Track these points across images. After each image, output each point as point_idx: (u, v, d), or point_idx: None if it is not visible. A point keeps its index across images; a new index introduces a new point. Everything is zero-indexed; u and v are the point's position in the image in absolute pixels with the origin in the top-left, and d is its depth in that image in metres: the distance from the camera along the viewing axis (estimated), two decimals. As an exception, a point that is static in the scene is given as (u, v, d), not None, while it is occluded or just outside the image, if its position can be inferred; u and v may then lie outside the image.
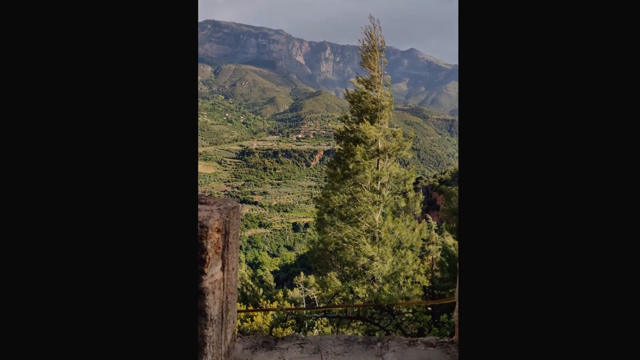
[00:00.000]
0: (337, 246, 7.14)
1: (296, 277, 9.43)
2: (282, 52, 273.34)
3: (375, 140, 7.59)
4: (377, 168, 7.63)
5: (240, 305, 6.72)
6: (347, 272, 7.26)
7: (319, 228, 7.54)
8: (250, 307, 6.73)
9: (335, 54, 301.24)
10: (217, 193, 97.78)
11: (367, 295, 6.63)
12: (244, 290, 10.45)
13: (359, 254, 6.99)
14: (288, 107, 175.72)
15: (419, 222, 8.01)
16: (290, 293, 12.70)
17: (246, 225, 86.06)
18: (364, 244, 6.90)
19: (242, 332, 6.12)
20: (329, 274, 7.04)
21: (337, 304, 6.60)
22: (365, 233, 7.30)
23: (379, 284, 7.45)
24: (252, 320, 6.18)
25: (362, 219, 7.08)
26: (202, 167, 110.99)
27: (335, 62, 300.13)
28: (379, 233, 7.18)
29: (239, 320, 6.33)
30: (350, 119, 7.95)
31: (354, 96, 7.84)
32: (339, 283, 6.90)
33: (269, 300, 8.62)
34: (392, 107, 7.92)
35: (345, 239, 7.05)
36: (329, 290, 6.75)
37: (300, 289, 9.40)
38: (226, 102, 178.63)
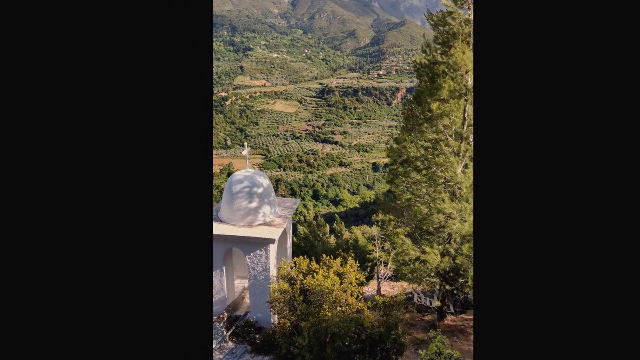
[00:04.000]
0: (410, 201, 6.31)
1: (374, 214, 9.16)
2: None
3: (467, 72, 6.09)
4: (465, 110, 6.24)
5: (303, 259, 6.57)
6: (420, 230, 6.49)
7: (390, 180, 6.71)
8: (314, 263, 6.53)
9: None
10: (298, 132, 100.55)
11: (440, 259, 5.87)
12: (311, 238, 10.49)
13: (433, 211, 6.08)
14: (369, 41, 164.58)
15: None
16: (369, 230, 12.62)
17: (327, 164, 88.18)
18: (443, 201, 5.94)
19: (305, 292, 6.06)
20: (396, 230, 6.36)
21: (405, 272, 6.02)
22: (443, 187, 6.27)
23: (457, 243, 6.56)
24: (313, 277, 6.00)
25: (442, 171, 6.01)
26: (283, 107, 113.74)
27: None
28: (460, 188, 6.08)
29: (300, 274, 6.22)
30: (433, 47, 6.45)
31: (439, 18, 6.25)
32: (408, 242, 6.22)
33: (341, 250, 8.43)
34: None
35: (420, 194, 6.16)
36: (397, 248, 6.15)
37: (378, 226, 9.26)
38: (305, 38, 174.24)
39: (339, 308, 5.73)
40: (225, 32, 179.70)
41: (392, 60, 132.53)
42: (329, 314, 5.37)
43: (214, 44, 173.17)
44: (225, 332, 6.90)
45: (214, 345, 6.44)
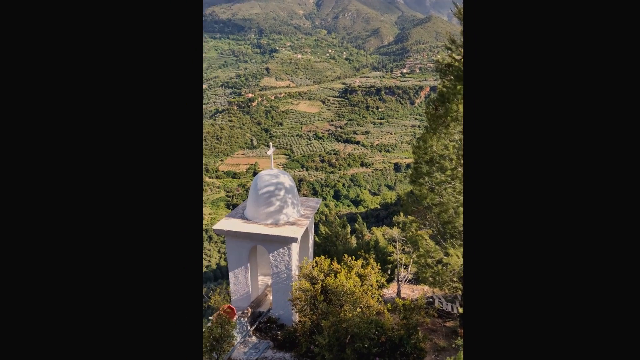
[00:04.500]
0: (433, 201, 6.21)
1: (395, 216, 9.05)
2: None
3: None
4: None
5: (325, 259, 6.62)
6: (444, 231, 6.38)
7: (413, 180, 6.64)
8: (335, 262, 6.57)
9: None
10: (321, 132, 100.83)
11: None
12: (332, 238, 10.52)
13: (459, 212, 5.97)
14: (393, 39, 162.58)
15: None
16: (389, 231, 12.50)
17: (349, 164, 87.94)
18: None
19: (326, 291, 6.09)
20: (419, 232, 6.28)
21: (427, 275, 5.95)
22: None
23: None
24: (335, 277, 6.04)
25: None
26: (307, 107, 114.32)
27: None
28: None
29: (322, 274, 6.27)
30: (459, 43, 6.29)
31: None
32: (432, 244, 6.13)
33: (362, 251, 8.42)
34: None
35: (444, 195, 6.05)
36: (420, 250, 6.07)
37: (399, 228, 9.17)
38: (329, 38, 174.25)
39: (359, 309, 5.74)
40: (253, 35, 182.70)
41: (417, 58, 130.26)
42: (350, 315, 5.40)
43: (241, 47, 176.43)
44: (249, 327, 7.07)
45: (238, 340, 6.61)
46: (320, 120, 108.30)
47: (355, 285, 5.86)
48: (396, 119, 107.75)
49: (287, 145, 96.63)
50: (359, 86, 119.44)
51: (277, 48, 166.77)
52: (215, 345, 5.43)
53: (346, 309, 5.60)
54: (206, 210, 76.96)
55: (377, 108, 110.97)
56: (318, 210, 8.51)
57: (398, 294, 9.15)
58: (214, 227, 7.21)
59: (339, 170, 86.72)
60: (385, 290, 9.77)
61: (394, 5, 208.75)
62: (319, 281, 6.30)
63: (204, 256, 64.38)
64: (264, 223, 7.18)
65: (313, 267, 6.58)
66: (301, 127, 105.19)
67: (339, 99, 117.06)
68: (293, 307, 6.64)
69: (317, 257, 6.85)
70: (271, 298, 7.78)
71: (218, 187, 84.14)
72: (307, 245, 8.33)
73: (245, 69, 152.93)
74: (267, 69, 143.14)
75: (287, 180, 7.50)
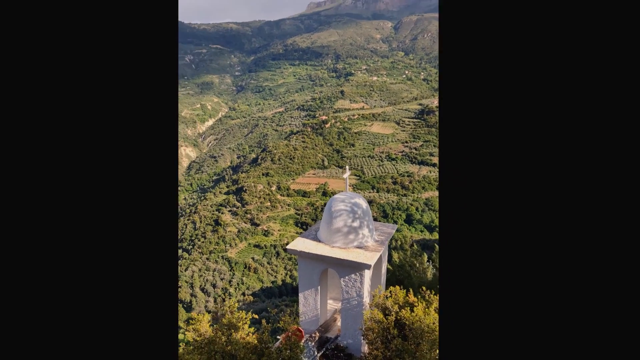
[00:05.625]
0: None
1: None
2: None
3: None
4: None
5: (400, 290, 6.19)
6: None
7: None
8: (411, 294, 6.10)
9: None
10: (394, 154, 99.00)
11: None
12: (407, 267, 9.90)
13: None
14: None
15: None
16: None
17: (423, 187, 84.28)
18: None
19: (401, 326, 5.64)
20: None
21: None
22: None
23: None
24: (412, 310, 5.57)
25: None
26: (380, 128, 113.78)
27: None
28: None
29: (396, 306, 5.85)
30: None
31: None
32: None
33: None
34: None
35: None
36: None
37: None
38: (406, 59, 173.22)
39: (437, 351, 5.18)
40: (330, 61, 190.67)
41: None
42: (428, 357, 4.88)
43: (318, 72, 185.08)
44: (316, 353, 6.88)
45: (304, 365, 6.46)
46: (393, 141, 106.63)
47: (434, 323, 5.33)
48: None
49: (358, 166, 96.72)
50: (436, 107, 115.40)
51: (353, 71, 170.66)
52: (283, 368, 5.34)
53: (423, 349, 5.09)
54: (275, 226, 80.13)
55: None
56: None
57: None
58: (287, 246, 7.30)
59: (412, 193, 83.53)
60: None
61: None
62: (393, 313, 5.89)
63: (271, 271, 66.55)
64: (336, 246, 7.06)
65: (387, 297, 6.20)
66: (373, 148, 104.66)
67: (415, 120, 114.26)
68: (363, 338, 6.30)
69: (391, 287, 6.45)
70: (339, 324, 7.52)
71: (288, 205, 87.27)
72: (379, 273, 7.96)
73: (320, 92, 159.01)
74: (341, 91, 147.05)
75: (362, 204, 7.33)
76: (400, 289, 6.27)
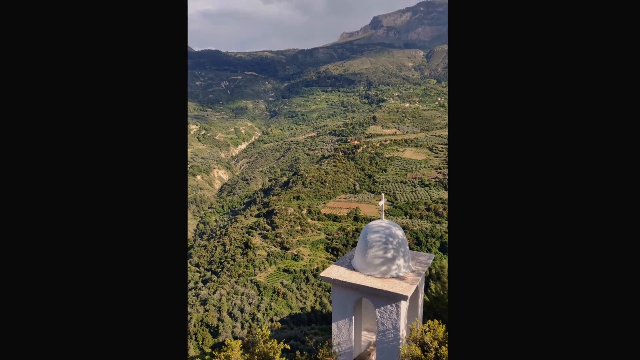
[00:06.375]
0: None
1: None
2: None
3: None
4: None
5: (439, 324, 5.86)
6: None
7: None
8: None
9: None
10: (427, 180, 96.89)
11: None
12: (445, 300, 9.39)
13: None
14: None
15: None
16: None
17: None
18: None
19: None
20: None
21: None
22: None
23: None
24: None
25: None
26: (413, 154, 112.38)
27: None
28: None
29: (436, 342, 5.52)
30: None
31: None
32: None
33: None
34: None
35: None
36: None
37: None
38: (438, 87, 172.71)
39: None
40: (362, 87, 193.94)
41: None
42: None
43: (350, 98, 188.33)
44: (349, 388, 6.59)
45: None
46: (426, 167, 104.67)
47: (478, 365, 4.95)
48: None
49: (390, 191, 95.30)
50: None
51: (385, 98, 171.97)
52: (316, 403, 5.14)
53: (467, 393, 4.72)
54: (305, 251, 79.57)
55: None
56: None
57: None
58: (321, 274, 7.20)
59: (446, 220, 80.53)
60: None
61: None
62: (432, 350, 5.55)
63: (300, 297, 65.49)
64: (371, 275, 6.88)
65: (425, 332, 5.88)
66: (406, 174, 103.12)
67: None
68: (400, 375, 5.96)
69: (429, 321, 6.13)
70: (374, 358, 7.19)
71: (319, 229, 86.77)
72: (416, 305, 7.61)
73: (352, 118, 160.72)
74: (373, 117, 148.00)
75: (398, 232, 7.16)
76: (439, 324, 5.94)
